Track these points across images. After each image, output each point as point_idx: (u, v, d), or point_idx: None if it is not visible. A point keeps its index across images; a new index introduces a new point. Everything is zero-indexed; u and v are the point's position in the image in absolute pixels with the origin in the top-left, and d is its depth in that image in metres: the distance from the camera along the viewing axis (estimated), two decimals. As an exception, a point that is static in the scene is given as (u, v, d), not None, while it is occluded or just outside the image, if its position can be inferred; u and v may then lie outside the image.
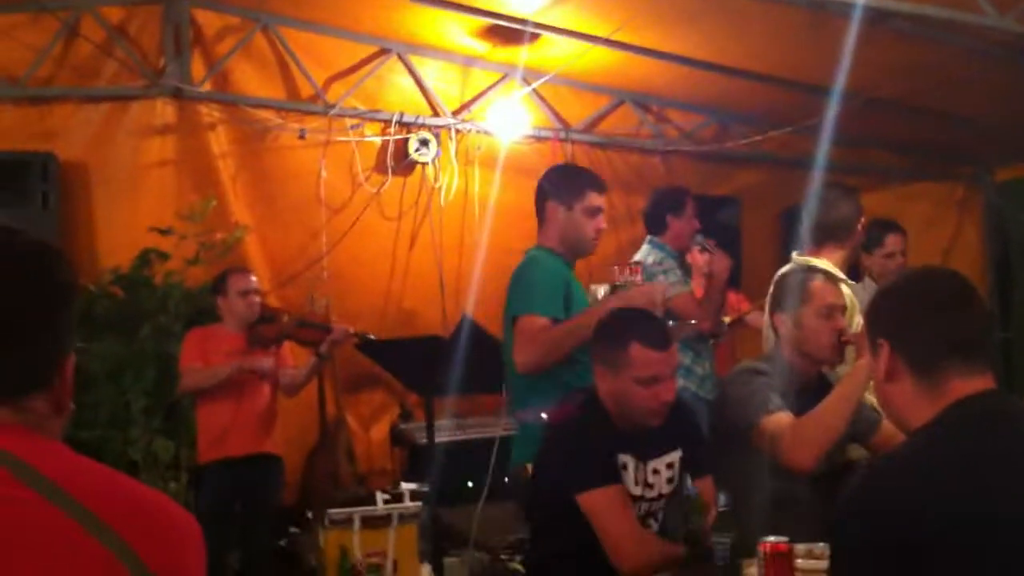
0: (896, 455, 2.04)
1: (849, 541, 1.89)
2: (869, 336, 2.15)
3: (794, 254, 4.47)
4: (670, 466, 3.44)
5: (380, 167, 7.27)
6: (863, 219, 4.49)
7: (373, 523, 5.44)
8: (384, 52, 7.16)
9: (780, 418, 3.41)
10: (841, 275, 4.18)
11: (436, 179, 7.37)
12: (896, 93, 6.75)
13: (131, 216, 6.42)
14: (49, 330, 1.46)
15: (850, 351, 3.62)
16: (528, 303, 3.89)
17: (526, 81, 7.30)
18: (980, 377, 1.99)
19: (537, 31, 6.48)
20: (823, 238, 4.37)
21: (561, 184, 4.18)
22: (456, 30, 6.80)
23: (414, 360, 5.24)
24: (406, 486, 5.56)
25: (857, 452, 3.70)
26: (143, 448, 5.82)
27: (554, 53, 6.86)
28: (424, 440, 5.61)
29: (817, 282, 3.67)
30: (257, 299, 5.77)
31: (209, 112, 6.79)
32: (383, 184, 7.25)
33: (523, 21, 6.33)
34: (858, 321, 3.78)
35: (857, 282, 4.85)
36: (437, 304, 7.22)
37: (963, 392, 1.96)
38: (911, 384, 2.02)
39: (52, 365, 1.46)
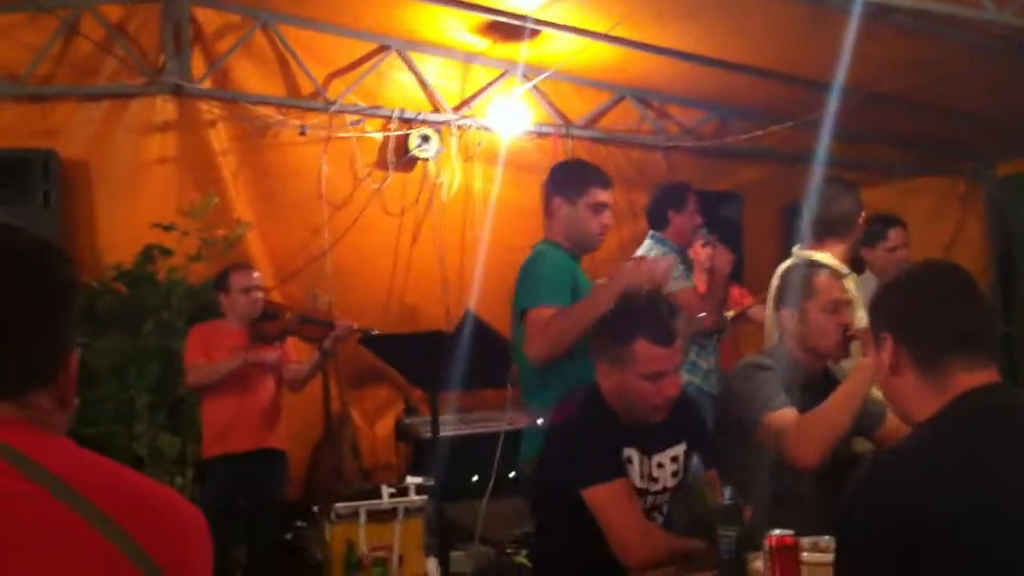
0: (901, 449, 2.05)
1: (854, 534, 1.89)
2: (873, 330, 2.15)
3: (795, 248, 4.47)
4: (674, 460, 3.45)
5: (381, 163, 7.28)
6: (864, 213, 4.49)
7: (379, 517, 5.45)
8: (384, 49, 7.15)
9: (784, 414, 3.41)
10: (845, 269, 4.19)
11: (437, 175, 7.38)
12: (897, 88, 6.75)
13: (132, 213, 6.42)
14: (51, 327, 1.46)
15: (855, 346, 3.62)
16: (535, 296, 3.90)
17: (526, 77, 7.30)
18: (984, 370, 2.00)
19: (537, 27, 6.47)
20: (824, 233, 4.38)
21: (565, 180, 4.20)
22: (456, 26, 6.80)
23: (418, 355, 5.25)
24: (411, 480, 5.57)
25: (862, 445, 3.71)
26: (148, 443, 5.83)
27: (554, 49, 6.86)
28: (429, 435, 5.63)
29: (822, 277, 3.67)
30: (260, 295, 5.78)
31: (209, 109, 6.79)
32: (384, 180, 7.25)
33: (523, 17, 6.33)
34: (860, 315, 3.78)
35: (858, 276, 4.85)
36: (440, 300, 7.23)
37: (967, 385, 1.97)
38: (915, 377, 2.03)
39: (55, 361, 1.46)
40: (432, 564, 5.44)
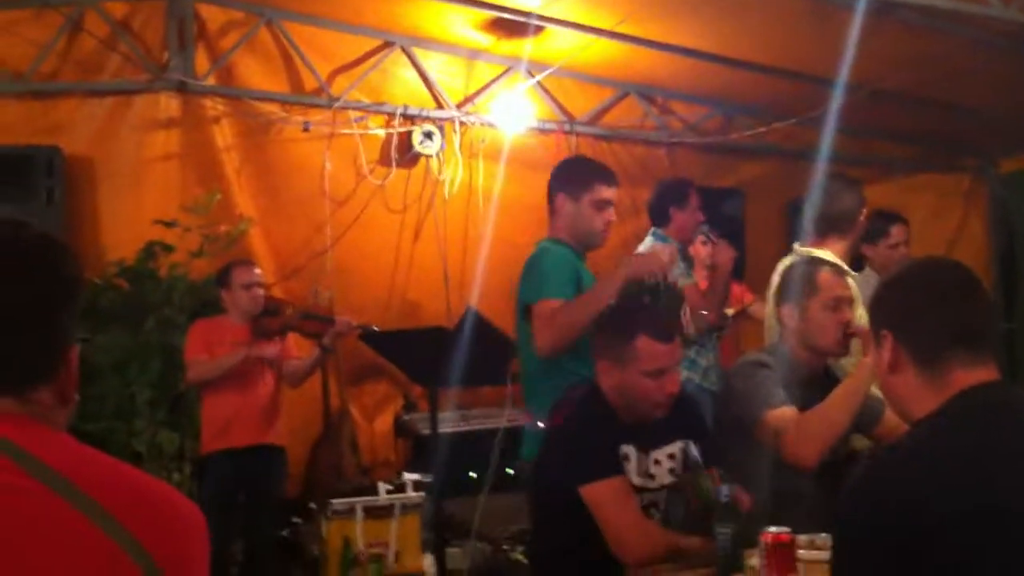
0: (899, 446, 2.04)
1: (851, 531, 1.89)
2: (872, 327, 2.15)
3: (796, 245, 4.47)
4: (672, 457, 3.45)
5: (384, 160, 7.28)
6: (865, 210, 4.49)
7: (376, 513, 5.46)
8: (388, 45, 7.16)
9: (784, 413, 3.41)
10: (845, 267, 4.18)
11: (440, 172, 7.38)
12: (901, 84, 6.73)
13: (136, 209, 6.43)
14: (54, 322, 1.47)
15: (856, 343, 3.62)
16: (541, 289, 3.90)
17: (530, 74, 7.30)
18: (984, 368, 1.99)
19: (541, 23, 6.47)
20: (826, 229, 4.37)
21: (569, 176, 4.20)
22: (460, 23, 6.79)
23: (418, 352, 5.25)
24: (409, 477, 5.58)
25: (860, 442, 3.70)
26: (148, 439, 5.84)
27: (558, 45, 6.85)
28: (428, 431, 5.63)
29: (824, 274, 3.67)
30: (261, 292, 5.78)
31: (213, 106, 6.80)
32: (387, 177, 7.25)
33: (527, 14, 6.33)
34: (860, 313, 3.78)
35: (857, 272, 4.85)
36: (441, 296, 7.23)
37: (967, 383, 1.96)
38: (914, 375, 2.02)
39: (57, 357, 1.46)
40: (428, 560, 5.45)
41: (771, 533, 2.65)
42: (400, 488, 5.56)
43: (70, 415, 1.50)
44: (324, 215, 7.03)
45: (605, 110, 7.89)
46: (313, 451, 6.58)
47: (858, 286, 4.10)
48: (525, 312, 3.96)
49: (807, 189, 4.61)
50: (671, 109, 8.09)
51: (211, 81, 6.77)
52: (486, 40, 7.04)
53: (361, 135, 7.16)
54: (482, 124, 7.47)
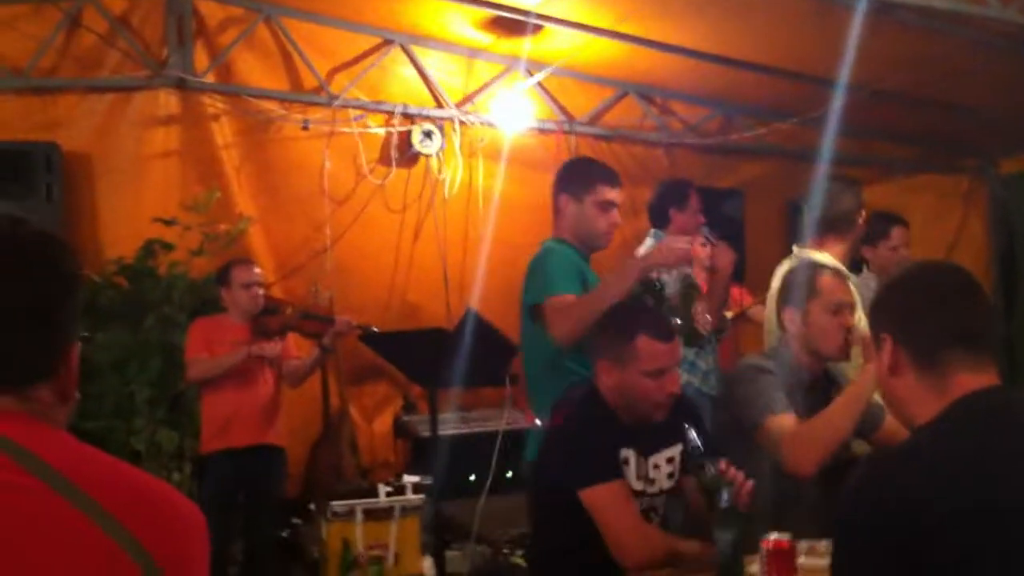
0: (900, 449, 2.04)
1: (851, 532, 1.89)
2: (873, 330, 2.15)
3: (795, 247, 4.46)
4: (670, 460, 3.45)
5: (384, 159, 7.27)
6: (865, 212, 4.48)
7: (375, 515, 5.46)
8: (387, 43, 7.15)
9: (784, 420, 3.40)
10: (844, 269, 4.18)
11: (440, 171, 7.37)
12: (901, 85, 6.73)
13: (134, 207, 6.42)
14: (54, 320, 1.46)
15: (855, 348, 3.61)
16: (552, 286, 3.89)
17: (530, 73, 7.29)
18: (984, 372, 1.99)
19: (540, 22, 6.47)
20: (825, 231, 4.37)
21: (573, 177, 4.19)
22: (459, 21, 6.79)
23: (418, 353, 5.24)
24: (408, 479, 5.58)
25: (860, 447, 3.70)
26: (147, 438, 5.84)
27: (558, 45, 6.85)
28: (427, 433, 5.62)
29: (826, 278, 3.66)
30: (260, 291, 5.78)
31: (212, 103, 6.78)
32: (387, 176, 7.25)
33: (526, 12, 6.32)
34: (859, 317, 3.77)
35: (856, 274, 4.84)
36: (441, 297, 7.22)
37: (967, 387, 1.96)
38: (914, 378, 2.02)
39: (57, 354, 1.46)
40: (428, 563, 5.44)
41: (771, 540, 2.65)
42: (400, 490, 5.56)
43: (70, 413, 1.50)
44: (324, 214, 7.02)
45: (605, 110, 7.88)
46: (312, 451, 6.58)
47: (857, 288, 4.10)
48: (531, 312, 3.95)
49: (807, 190, 4.61)
50: (671, 109, 8.09)
51: (210, 78, 6.76)
52: (486, 39, 7.03)
53: (360, 134, 7.15)
54: (482, 123, 7.46)
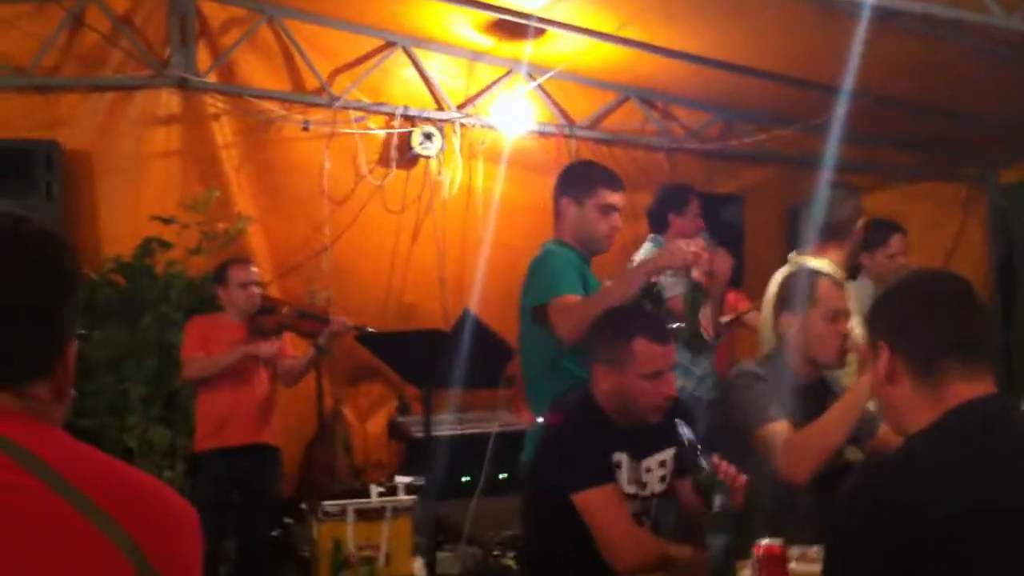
0: (895, 456, 2.04)
1: (846, 538, 1.89)
2: (869, 338, 2.15)
3: (792, 254, 4.46)
4: (662, 464, 3.45)
5: (384, 160, 7.27)
6: (863, 219, 4.48)
7: (367, 515, 5.45)
8: (389, 45, 7.15)
9: (777, 429, 3.40)
10: (841, 276, 4.17)
11: (439, 173, 7.37)
12: (903, 92, 6.73)
13: (134, 205, 6.43)
14: (53, 318, 1.46)
15: (851, 356, 3.61)
16: (555, 286, 3.89)
17: (531, 76, 7.29)
18: (980, 381, 1.98)
19: (542, 26, 6.47)
20: (824, 238, 4.36)
21: (574, 180, 4.19)
22: (461, 24, 6.79)
23: (414, 353, 5.25)
24: (400, 479, 5.57)
25: (854, 454, 3.70)
26: (139, 436, 5.84)
27: (559, 48, 6.85)
28: (421, 433, 5.62)
29: (824, 285, 3.66)
30: (257, 290, 5.78)
31: (214, 103, 6.79)
32: (386, 177, 7.25)
33: (528, 16, 6.32)
34: (855, 323, 3.76)
35: (852, 281, 4.84)
36: (438, 298, 7.22)
37: (963, 396, 1.95)
38: (910, 386, 2.01)
39: (55, 352, 1.46)
40: (419, 564, 5.44)
41: (763, 545, 2.65)
42: (392, 491, 5.56)
43: (66, 411, 1.50)
44: (322, 214, 7.02)
45: (606, 114, 7.88)
46: (306, 451, 6.58)
47: (853, 295, 4.09)
48: (533, 313, 3.94)
49: (806, 196, 4.60)
50: (672, 114, 8.09)
51: (212, 78, 6.76)
52: (487, 42, 7.03)
53: (361, 135, 7.16)
54: (482, 126, 7.46)
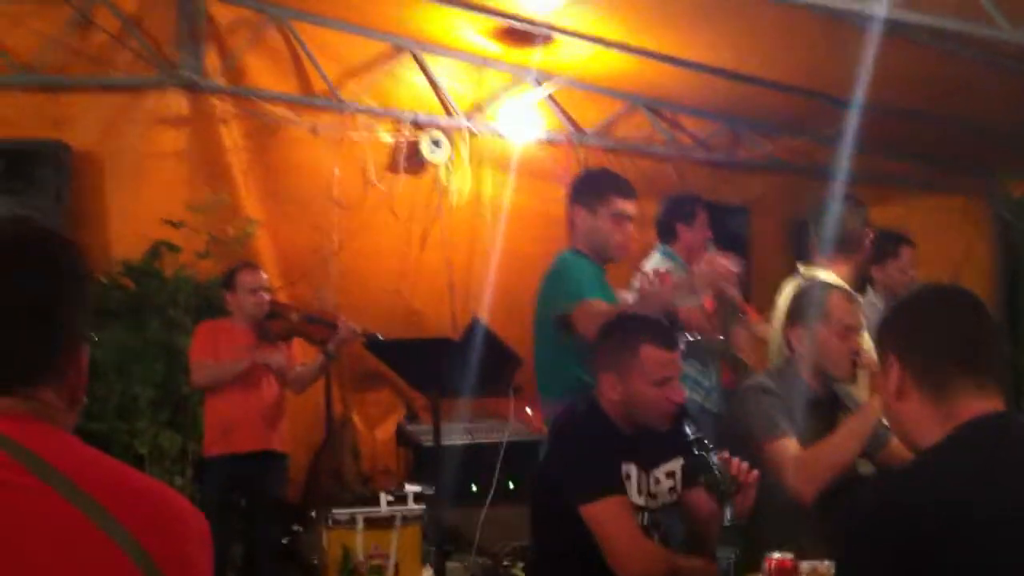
0: (905, 470, 2.04)
1: (857, 553, 1.89)
2: (879, 351, 2.15)
3: (800, 266, 4.46)
4: (670, 475, 3.44)
5: (392, 166, 7.26)
6: (871, 232, 4.48)
7: (376, 524, 5.43)
8: (398, 50, 7.14)
9: (786, 445, 3.41)
10: (851, 290, 4.16)
11: (448, 180, 7.36)
12: (910, 103, 6.73)
13: (141, 207, 6.42)
14: (61, 321, 1.46)
15: (861, 371, 3.61)
16: (579, 291, 3.92)
17: (539, 83, 7.29)
18: (990, 397, 1.98)
19: (551, 33, 6.47)
20: (831, 250, 4.36)
21: (586, 189, 4.21)
22: (470, 30, 6.79)
23: (422, 361, 5.24)
24: (410, 488, 5.56)
25: (865, 467, 3.69)
26: (149, 441, 5.84)
27: (568, 56, 6.85)
28: (429, 441, 5.61)
29: (836, 299, 3.66)
30: (266, 296, 5.78)
31: (222, 105, 6.77)
32: (394, 183, 7.24)
33: (537, 23, 6.32)
34: (866, 338, 3.76)
35: (860, 293, 4.83)
36: (446, 305, 7.22)
37: (973, 411, 1.96)
38: (919, 402, 2.02)
39: (59, 353, 1.46)
40: (428, 573, 5.42)
41: (774, 559, 2.65)
42: (401, 499, 5.55)
43: (77, 415, 1.50)
44: (330, 220, 7.00)
45: (614, 122, 7.87)
46: (314, 458, 6.57)
47: (863, 309, 4.09)
48: (557, 321, 3.93)
49: (813, 207, 4.60)
50: (680, 123, 8.09)
51: (220, 80, 6.76)
52: (496, 48, 7.03)
53: (369, 140, 7.15)
54: (490, 133, 7.46)
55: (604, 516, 3.18)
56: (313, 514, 5.83)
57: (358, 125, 7.10)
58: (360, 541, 5.37)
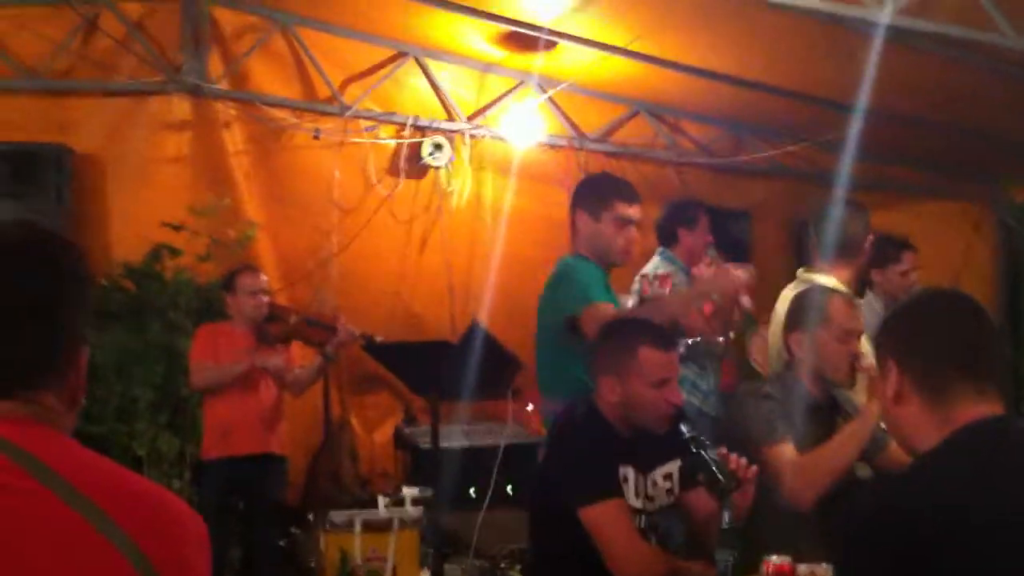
0: (903, 475, 2.04)
1: (855, 557, 1.89)
2: (877, 356, 2.15)
3: (800, 271, 4.45)
4: (668, 477, 3.44)
5: (393, 170, 7.28)
6: (871, 236, 4.48)
7: (374, 527, 5.43)
8: (401, 55, 7.16)
9: (783, 452, 3.40)
10: (850, 294, 4.17)
11: (448, 184, 7.37)
12: (914, 110, 6.73)
13: (144, 210, 6.44)
14: (63, 323, 1.46)
15: (860, 375, 3.61)
16: (586, 295, 3.91)
17: (542, 88, 7.30)
18: (988, 401, 1.98)
19: (553, 39, 6.48)
20: (832, 255, 4.35)
21: (589, 194, 4.21)
22: (473, 35, 6.80)
23: (421, 364, 5.25)
24: (408, 491, 5.56)
25: (863, 471, 3.69)
26: (148, 443, 5.84)
27: (570, 61, 6.86)
28: (427, 444, 5.61)
29: (836, 304, 3.65)
30: (266, 299, 5.78)
31: (225, 110, 6.81)
32: (395, 187, 7.25)
33: (540, 28, 6.33)
34: (865, 343, 3.76)
35: (859, 297, 4.83)
36: (446, 308, 7.22)
37: (971, 416, 1.95)
38: (918, 406, 2.01)
39: (65, 359, 1.46)
40: (426, 576, 5.43)
41: (772, 562, 2.65)
42: (399, 502, 5.55)
43: (76, 418, 1.50)
44: (331, 223, 7.02)
45: (616, 127, 7.89)
46: (312, 460, 6.57)
47: (861, 313, 4.08)
48: (566, 323, 3.93)
49: (814, 212, 4.60)
50: (682, 128, 8.09)
51: (224, 85, 6.78)
52: (499, 53, 7.04)
53: (371, 144, 7.16)
54: (492, 137, 7.47)
55: (602, 519, 3.17)
56: (311, 517, 5.82)
57: (360, 129, 7.11)
58: (358, 544, 5.36)
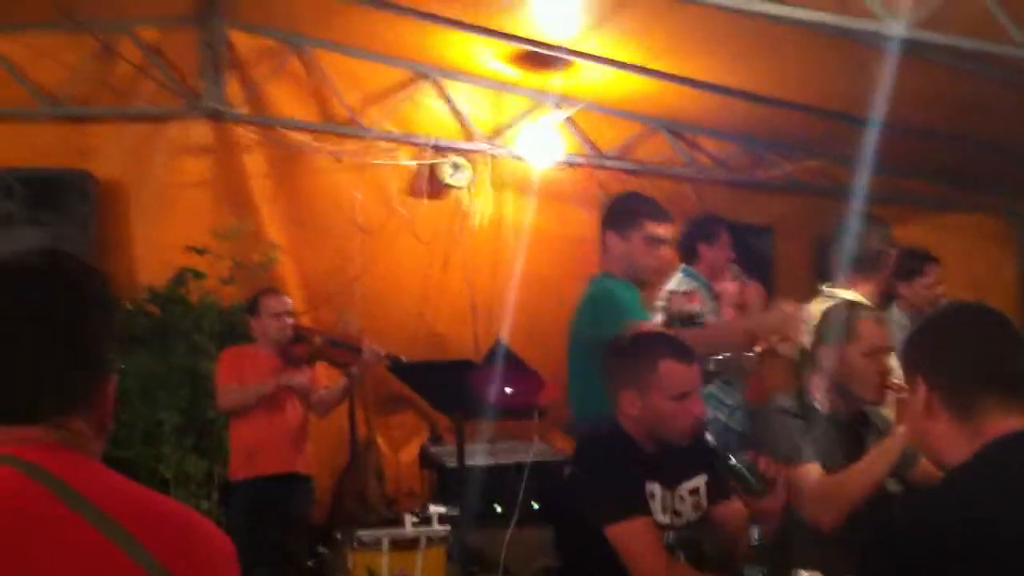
0: (933, 489, 2.04)
1: (883, 571, 1.89)
2: (906, 372, 2.15)
3: (824, 286, 4.44)
4: (694, 492, 3.43)
5: (414, 191, 7.30)
6: (894, 251, 4.47)
7: (402, 545, 5.41)
8: (418, 76, 7.19)
9: (807, 473, 3.38)
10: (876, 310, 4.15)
11: (469, 204, 7.38)
12: (930, 122, 6.72)
13: (166, 235, 6.47)
14: (91, 350, 1.48)
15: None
16: (625, 314, 3.90)
17: (559, 107, 7.32)
18: (1017, 414, 1.97)
19: (570, 57, 6.50)
20: (854, 270, 4.35)
21: (617, 214, 4.21)
22: (490, 55, 6.82)
23: (446, 383, 5.26)
24: (434, 509, 5.55)
25: (893, 485, 3.67)
26: (175, 466, 5.85)
27: (587, 79, 6.87)
28: (453, 463, 5.62)
29: (865, 321, 3.63)
30: (289, 321, 5.79)
31: (245, 133, 6.84)
32: (416, 208, 7.27)
33: (556, 47, 6.35)
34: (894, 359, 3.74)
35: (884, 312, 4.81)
36: (469, 328, 7.22)
37: (1000, 430, 1.95)
38: (947, 421, 2.01)
39: (88, 382, 1.47)
40: (453, 593, 5.42)
41: (802, 576, 2.64)
42: (426, 520, 5.54)
43: (104, 443, 1.51)
44: (353, 245, 7.04)
45: (633, 145, 7.89)
46: (339, 480, 6.57)
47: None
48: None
49: (835, 227, 4.59)
50: (699, 145, 8.09)
51: (243, 109, 6.81)
52: (515, 73, 7.06)
53: (391, 166, 7.18)
54: (511, 157, 7.48)
55: (629, 537, 3.16)
56: (338, 536, 5.82)
57: (379, 151, 7.14)
58: (386, 562, 5.35)
